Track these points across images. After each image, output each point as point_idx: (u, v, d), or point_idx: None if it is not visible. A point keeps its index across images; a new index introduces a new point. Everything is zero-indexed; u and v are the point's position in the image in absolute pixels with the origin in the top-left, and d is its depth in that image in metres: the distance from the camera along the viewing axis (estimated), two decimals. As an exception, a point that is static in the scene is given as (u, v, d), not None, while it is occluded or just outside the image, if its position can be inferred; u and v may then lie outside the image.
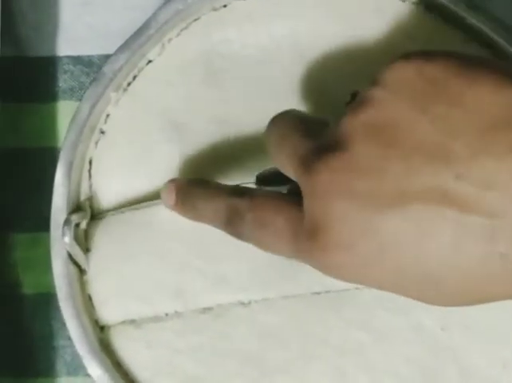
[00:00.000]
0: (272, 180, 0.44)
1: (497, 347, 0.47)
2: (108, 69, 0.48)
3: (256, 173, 0.47)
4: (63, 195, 0.48)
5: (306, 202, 0.37)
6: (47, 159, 0.53)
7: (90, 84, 0.49)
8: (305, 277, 0.48)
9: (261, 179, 0.46)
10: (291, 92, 0.49)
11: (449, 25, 0.49)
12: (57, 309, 0.48)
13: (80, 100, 0.49)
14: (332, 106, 0.48)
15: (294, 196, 0.39)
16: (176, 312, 0.48)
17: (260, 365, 0.47)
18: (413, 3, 0.49)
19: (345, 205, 0.35)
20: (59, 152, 0.49)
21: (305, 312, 0.48)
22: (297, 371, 0.47)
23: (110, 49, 0.50)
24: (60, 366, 0.53)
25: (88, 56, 0.54)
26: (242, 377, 0.47)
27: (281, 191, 0.43)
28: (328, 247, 0.36)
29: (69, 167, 0.48)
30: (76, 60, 0.54)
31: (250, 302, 0.48)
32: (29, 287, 0.53)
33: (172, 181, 0.46)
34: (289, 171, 0.39)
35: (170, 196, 0.45)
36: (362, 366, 0.47)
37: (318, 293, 0.48)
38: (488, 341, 0.47)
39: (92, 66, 0.54)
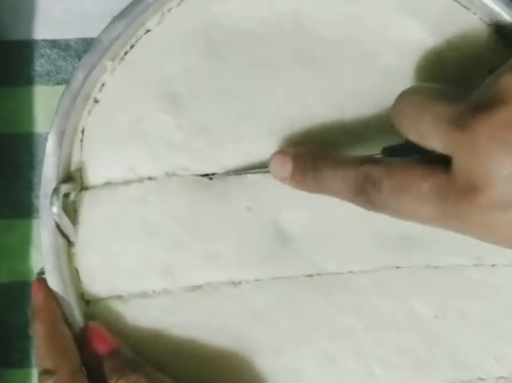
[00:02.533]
0: (398, 153, 0.43)
1: (491, 339, 0.46)
2: (104, 36, 0.47)
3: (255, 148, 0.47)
4: (53, 165, 0.47)
5: (460, 162, 0.37)
6: (22, 144, 0.52)
7: (86, 51, 0.47)
8: (298, 259, 0.47)
9: (388, 151, 0.44)
10: (292, 65, 0.48)
11: (458, 4, 0.48)
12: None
13: (57, 84, 0.48)
14: (335, 79, 0.47)
15: (429, 163, 0.39)
16: (164, 289, 0.47)
17: (248, 346, 0.46)
18: None
19: (510, 161, 0.35)
20: (35, 137, 0.48)
21: (296, 294, 0.47)
22: (285, 354, 0.46)
23: (87, 33, 0.50)
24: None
25: (65, 39, 0.53)
26: (229, 358, 0.46)
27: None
28: (488, 206, 0.36)
29: (61, 135, 0.47)
30: (53, 43, 0.53)
31: (240, 282, 0.47)
32: (3, 275, 0.52)
33: (284, 152, 0.45)
34: (433, 138, 0.39)
35: (285, 168, 0.44)
36: (352, 352, 0.46)
37: (310, 275, 0.47)
38: (482, 332, 0.46)
39: (69, 50, 0.53)
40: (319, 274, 0.47)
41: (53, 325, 0.45)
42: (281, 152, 0.45)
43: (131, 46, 0.48)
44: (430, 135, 0.39)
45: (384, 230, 0.47)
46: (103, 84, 0.48)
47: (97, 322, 0.46)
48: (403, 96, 0.42)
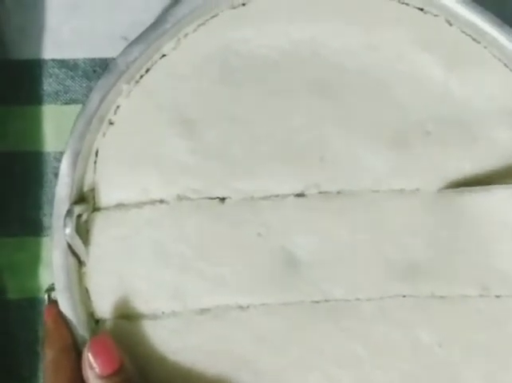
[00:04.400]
0: None
1: (494, 369, 0.47)
2: (121, 60, 0.48)
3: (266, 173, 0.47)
4: (67, 186, 0.47)
5: None
6: (32, 163, 0.53)
7: (102, 74, 0.48)
8: (306, 285, 0.47)
9: None
10: (307, 94, 0.49)
11: (470, 38, 0.49)
12: (42, 314, 0.47)
13: (66, 104, 0.49)
14: (350, 108, 0.48)
15: None
16: (173, 311, 0.47)
17: (253, 371, 0.47)
18: (434, 15, 0.49)
19: None
20: (44, 155, 0.50)
21: (303, 320, 0.47)
22: (290, 380, 0.47)
23: (96, 53, 0.50)
24: None
25: (74, 59, 0.53)
26: (234, 382, 0.47)
27: None
28: None
29: (75, 157, 0.47)
30: (62, 63, 0.53)
31: (248, 306, 0.47)
32: (13, 292, 0.52)
33: None
34: None
35: None
36: (357, 379, 0.47)
37: (317, 302, 0.47)
38: (486, 363, 0.47)
39: (77, 70, 0.53)
40: (326, 301, 0.47)
41: (60, 353, 0.45)
42: None
43: (147, 70, 0.49)
44: None
45: (391, 258, 0.47)
46: (118, 107, 0.49)
47: (107, 336, 0.46)
48: None
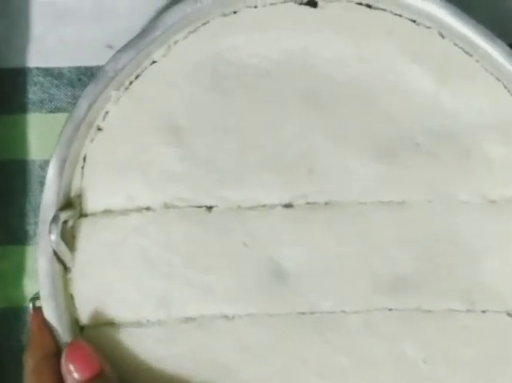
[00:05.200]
0: None
1: (479, 384, 0.47)
2: (109, 67, 0.47)
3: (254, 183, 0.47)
4: (53, 192, 0.47)
5: None
6: (16, 171, 0.52)
7: (91, 81, 0.48)
8: (292, 296, 0.47)
9: None
10: (298, 103, 0.48)
11: (462, 51, 0.49)
12: (27, 323, 0.47)
13: (50, 112, 0.49)
14: (340, 119, 0.48)
15: None
16: (159, 319, 0.47)
17: (237, 381, 0.47)
18: (427, 27, 0.48)
19: None
20: (28, 164, 0.50)
21: (288, 331, 0.47)
22: (273, 390, 0.47)
23: (81, 61, 0.50)
24: None
25: (59, 68, 0.53)
26: (218, 391, 0.47)
27: None
28: None
29: (62, 164, 0.47)
30: (46, 72, 0.53)
31: (233, 316, 0.47)
32: None
33: None
34: None
35: None
36: (341, 392, 0.47)
37: (303, 313, 0.47)
38: (471, 378, 0.47)
39: (62, 78, 0.53)
40: (312, 313, 0.47)
41: (42, 360, 0.45)
42: None
43: (137, 76, 0.49)
44: None
45: (378, 270, 0.47)
46: (107, 113, 0.48)
47: (83, 341, 0.46)
48: None
